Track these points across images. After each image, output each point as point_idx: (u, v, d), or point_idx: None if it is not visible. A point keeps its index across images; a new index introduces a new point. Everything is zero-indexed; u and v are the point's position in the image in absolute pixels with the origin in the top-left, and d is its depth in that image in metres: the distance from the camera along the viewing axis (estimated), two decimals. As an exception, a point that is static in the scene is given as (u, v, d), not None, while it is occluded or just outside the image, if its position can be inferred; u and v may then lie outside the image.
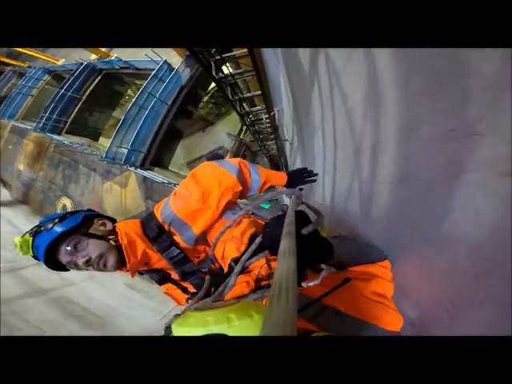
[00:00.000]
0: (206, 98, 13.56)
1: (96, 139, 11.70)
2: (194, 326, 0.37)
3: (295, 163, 3.79)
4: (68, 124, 10.88)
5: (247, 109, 3.70)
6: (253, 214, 1.38)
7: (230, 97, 3.11)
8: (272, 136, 4.72)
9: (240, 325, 0.35)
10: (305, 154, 2.65)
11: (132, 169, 8.18)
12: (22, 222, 9.78)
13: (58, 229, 0.93)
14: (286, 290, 0.26)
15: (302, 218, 0.57)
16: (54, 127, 10.55)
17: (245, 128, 12.68)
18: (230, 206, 1.01)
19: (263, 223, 1.17)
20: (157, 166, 8.61)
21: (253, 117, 4.07)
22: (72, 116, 11.06)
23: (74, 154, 10.09)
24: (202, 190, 0.97)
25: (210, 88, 12.89)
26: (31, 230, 0.96)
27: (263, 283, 0.94)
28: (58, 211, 9.66)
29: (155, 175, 8.03)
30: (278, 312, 0.24)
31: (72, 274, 7.05)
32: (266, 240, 0.63)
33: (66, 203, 9.95)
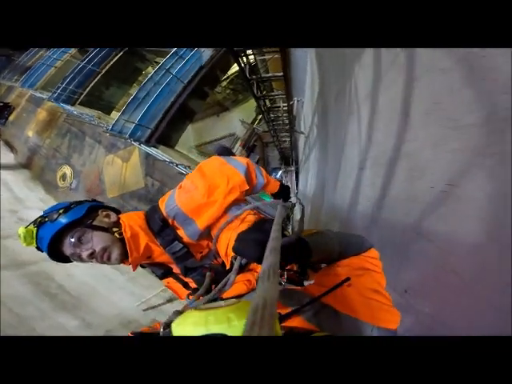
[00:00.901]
0: (224, 83, 13.63)
1: (108, 113, 11.95)
2: (194, 325, 0.37)
3: (309, 157, 3.73)
4: (83, 96, 11.20)
5: (264, 92, 3.65)
6: (257, 209, 1.40)
7: (248, 76, 3.06)
8: (287, 127, 4.65)
9: (240, 325, 0.35)
10: (326, 149, 2.58)
11: (135, 144, 8.24)
12: (19, 186, 9.98)
13: (63, 220, 0.92)
14: (262, 318, 0.25)
15: (265, 229, 0.58)
16: (69, 98, 11.06)
17: (259, 118, 12.72)
18: (236, 202, 1.01)
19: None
20: (163, 145, 8.63)
21: (269, 103, 4.02)
22: (88, 88, 11.35)
23: (82, 125, 10.35)
24: (208, 184, 0.97)
25: (229, 73, 12.96)
26: (35, 220, 0.95)
27: None
28: (58, 179, 9.88)
29: (159, 153, 8.02)
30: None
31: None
32: (237, 253, 0.63)
33: (67, 171, 10.16)
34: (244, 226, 0.94)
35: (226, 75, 13.03)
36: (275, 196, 1.38)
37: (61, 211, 0.94)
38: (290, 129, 4.47)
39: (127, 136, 8.04)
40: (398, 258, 0.99)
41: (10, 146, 12.05)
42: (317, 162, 3.13)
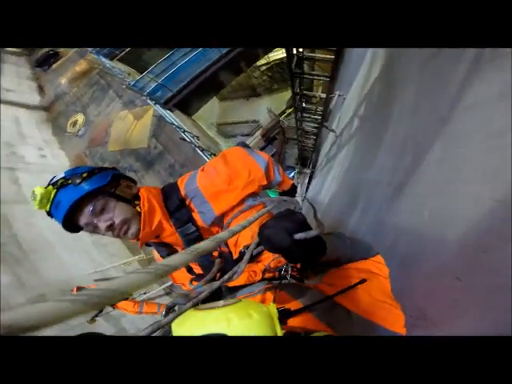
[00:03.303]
0: (263, 68, 13.56)
1: (142, 72, 12.18)
2: (194, 325, 0.39)
3: (336, 158, 3.65)
4: (124, 52, 11.68)
5: (303, 89, 3.59)
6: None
7: (293, 68, 3.01)
8: (317, 123, 4.49)
9: (240, 325, 0.37)
10: (358, 151, 2.50)
11: (150, 102, 8.30)
12: (29, 124, 10.32)
13: (87, 186, 0.90)
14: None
15: (295, 219, 0.60)
16: (111, 52, 11.66)
17: (288, 112, 12.62)
18: (252, 195, 1.07)
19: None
20: (180, 110, 8.66)
21: (305, 98, 3.95)
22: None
23: (111, 79, 10.70)
24: (230, 172, 1.03)
25: (272, 59, 12.82)
26: (55, 181, 0.91)
27: (267, 275, 0.98)
28: (68, 125, 10.15)
29: (171, 116, 8.00)
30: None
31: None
32: (263, 240, 0.65)
33: (79, 119, 10.50)
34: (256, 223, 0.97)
35: (268, 59, 12.95)
36: (283, 194, 1.45)
37: (85, 175, 0.92)
38: (320, 123, 4.32)
39: (145, 93, 8.08)
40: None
41: (41, 89, 12.77)
42: (342, 166, 3.05)
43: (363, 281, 0.72)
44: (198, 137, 7.72)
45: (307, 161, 8.38)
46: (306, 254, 0.62)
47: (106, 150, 9.20)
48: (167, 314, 0.52)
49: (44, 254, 6.11)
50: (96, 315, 2.82)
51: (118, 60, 11.70)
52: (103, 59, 10.97)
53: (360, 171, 2.31)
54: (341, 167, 3.21)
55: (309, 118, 4.55)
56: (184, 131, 7.25)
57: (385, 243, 0.98)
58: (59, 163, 9.24)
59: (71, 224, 0.92)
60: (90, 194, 0.89)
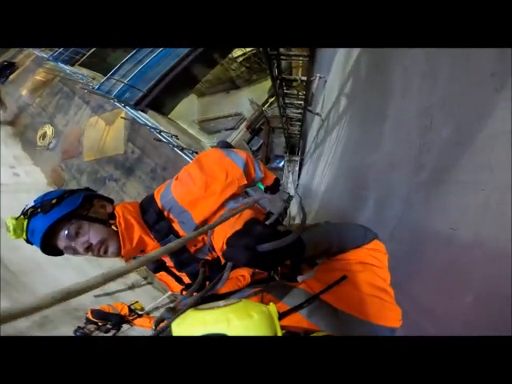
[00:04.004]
0: (240, 59, 13.42)
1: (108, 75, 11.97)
2: (194, 325, 0.39)
3: (325, 142, 3.55)
4: (85, 57, 11.56)
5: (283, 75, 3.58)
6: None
7: (269, 51, 2.96)
8: (301, 108, 4.47)
9: (240, 325, 0.38)
10: (353, 132, 2.34)
11: (119, 104, 7.98)
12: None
13: (57, 212, 0.91)
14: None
15: (254, 232, 0.59)
16: (71, 58, 11.56)
17: (271, 101, 12.58)
18: (233, 196, 1.06)
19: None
20: (154, 110, 8.37)
21: (286, 88, 3.93)
22: (92, 50, 11.54)
23: (75, 86, 10.37)
24: (205, 177, 1.01)
25: (248, 50, 12.66)
26: (25, 210, 0.93)
27: (257, 277, 0.99)
28: (37, 138, 9.80)
29: (144, 117, 7.69)
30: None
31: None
32: (226, 259, 0.64)
33: (48, 131, 10.13)
34: (239, 223, 0.96)
35: (244, 50, 12.80)
36: (267, 188, 1.53)
37: (54, 201, 0.94)
38: (304, 107, 4.28)
39: (112, 96, 7.81)
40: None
41: (1, 102, 12.35)
42: (335, 150, 2.93)
43: (343, 278, 0.70)
44: (176, 136, 7.57)
45: (295, 148, 8.42)
46: (276, 262, 0.61)
47: (81, 160, 8.89)
48: (156, 327, 0.53)
49: (35, 274, 5.99)
50: (114, 334, 2.94)
51: (80, 65, 11.50)
52: (61, 65, 10.73)
53: (360, 154, 2.12)
54: (333, 151, 3.10)
55: (291, 104, 4.55)
56: (160, 131, 7.09)
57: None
58: (35, 180, 8.91)
59: (52, 248, 0.95)
60: (61, 219, 0.91)
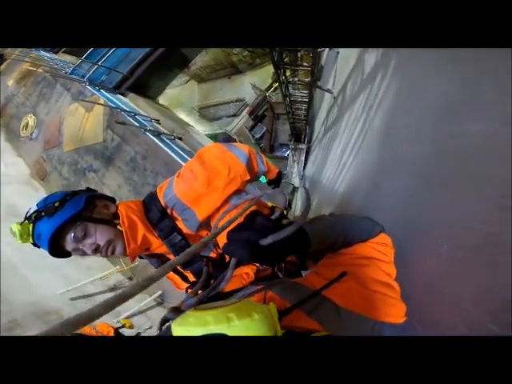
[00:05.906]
0: None
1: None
2: (194, 325, 0.40)
3: (340, 123, 3.13)
4: None
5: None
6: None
7: None
8: (308, 84, 3.95)
9: (240, 325, 0.39)
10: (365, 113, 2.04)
11: (90, 88, 7.77)
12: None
13: (62, 215, 0.95)
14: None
15: (255, 225, 0.60)
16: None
17: (275, 86, 12.28)
18: (236, 192, 1.08)
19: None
20: (138, 93, 8.12)
21: (290, 75, 3.71)
22: None
23: (58, 73, 10.15)
24: (207, 173, 1.03)
25: None
26: (29, 215, 0.97)
27: (262, 274, 1.01)
28: (21, 128, 9.64)
29: (122, 101, 7.45)
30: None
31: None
32: (227, 254, 0.64)
33: (30, 120, 9.96)
34: (241, 219, 0.98)
35: None
36: (270, 181, 1.60)
37: (57, 204, 0.97)
38: (311, 83, 3.82)
39: (85, 79, 7.64)
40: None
41: None
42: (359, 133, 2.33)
43: (343, 274, 0.71)
44: (158, 120, 7.37)
45: (301, 136, 8.19)
46: (278, 256, 0.61)
47: (62, 151, 8.73)
48: (161, 328, 0.55)
49: (7, 276, 5.56)
50: None
51: (65, 52, 11.36)
52: (42, 52, 10.71)
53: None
54: (353, 134, 2.38)
55: (296, 82, 4.11)
56: (134, 114, 6.84)
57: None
58: (18, 172, 8.80)
59: (60, 251, 0.99)
60: (66, 222, 0.94)
